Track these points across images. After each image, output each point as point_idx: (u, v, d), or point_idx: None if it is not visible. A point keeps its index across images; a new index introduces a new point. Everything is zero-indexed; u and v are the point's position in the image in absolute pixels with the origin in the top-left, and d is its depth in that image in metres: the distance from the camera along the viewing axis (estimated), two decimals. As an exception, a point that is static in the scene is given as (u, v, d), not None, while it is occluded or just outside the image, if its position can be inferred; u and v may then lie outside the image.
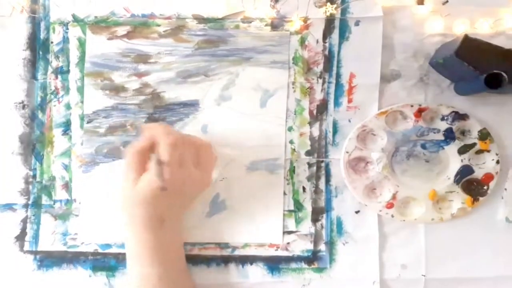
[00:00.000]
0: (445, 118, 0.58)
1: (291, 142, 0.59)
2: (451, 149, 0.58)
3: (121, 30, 0.57)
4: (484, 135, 0.58)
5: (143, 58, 0.58)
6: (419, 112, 0.57)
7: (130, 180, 0.49)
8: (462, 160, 0.58)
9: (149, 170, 0.49)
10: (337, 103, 0.59)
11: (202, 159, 0.53)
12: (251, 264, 0.58)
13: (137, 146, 0.50)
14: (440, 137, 0.58)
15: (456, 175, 0.58)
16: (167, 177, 0.48)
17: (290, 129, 0.59)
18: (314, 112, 0.59)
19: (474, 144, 0.58)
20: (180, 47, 0.58)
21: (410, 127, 0.58)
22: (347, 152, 0.58)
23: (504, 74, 0.50)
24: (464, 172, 0.58)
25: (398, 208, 0.58)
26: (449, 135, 0.58)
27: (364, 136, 0.59)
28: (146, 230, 0.50)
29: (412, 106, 0.57)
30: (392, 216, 0.58)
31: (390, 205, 0.58)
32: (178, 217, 0.54)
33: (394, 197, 0.58)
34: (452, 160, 0.58)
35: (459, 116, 0.58)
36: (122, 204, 0.51)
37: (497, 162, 0.58)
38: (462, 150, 0.58)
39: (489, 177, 0.58)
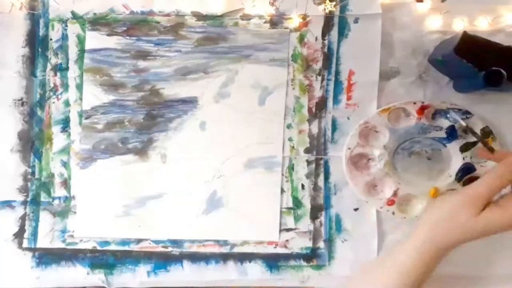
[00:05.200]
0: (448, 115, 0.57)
1: (290, 139, 0.58)
2: (453, 146, 0.58)
3: (121, 27, 0.57)
4: (487, 133, 0.57)
5: (142, 54, 0.58)
6: (422, 110, 0.57)
7: (474, 209, 0.47)
8: (464, 158, 0.57)
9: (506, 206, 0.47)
10: (336, 101, 0.58)
11: None
12: (250, 261, 0.58)
13: (499, 181, 0.48)
14: (442, 134, 0.58)
15: (457, 173, 0.58)
16: None
17: (289, 126, 0.58)
18: (313, 109, 0.59)
19: (476, 142, 0.57)
20: (179, 44, 0.58)
21: (413, 124, 0.58)
22: (349, 149, 0.57)
23: (504, 72, 0.50)
24: (466, 170, 0.57)
25: (399, 205, 0.58)
26: (452, 133, 0.57)
27: (366, 133, 0.58)
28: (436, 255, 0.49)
29: (415, 103, 0.57)
30: (393, 213, 0.57)
31: (391, 202, 0.57)
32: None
33: (395, 194, 0.57)
34: (454, 157, 0.58)
35: (461, 113, 0.57)
36: (438, 223, 0.49)
37: (499, 159, 0.57)
38: (464, 148, 0.58)
39: (490, 175, 0.58)
